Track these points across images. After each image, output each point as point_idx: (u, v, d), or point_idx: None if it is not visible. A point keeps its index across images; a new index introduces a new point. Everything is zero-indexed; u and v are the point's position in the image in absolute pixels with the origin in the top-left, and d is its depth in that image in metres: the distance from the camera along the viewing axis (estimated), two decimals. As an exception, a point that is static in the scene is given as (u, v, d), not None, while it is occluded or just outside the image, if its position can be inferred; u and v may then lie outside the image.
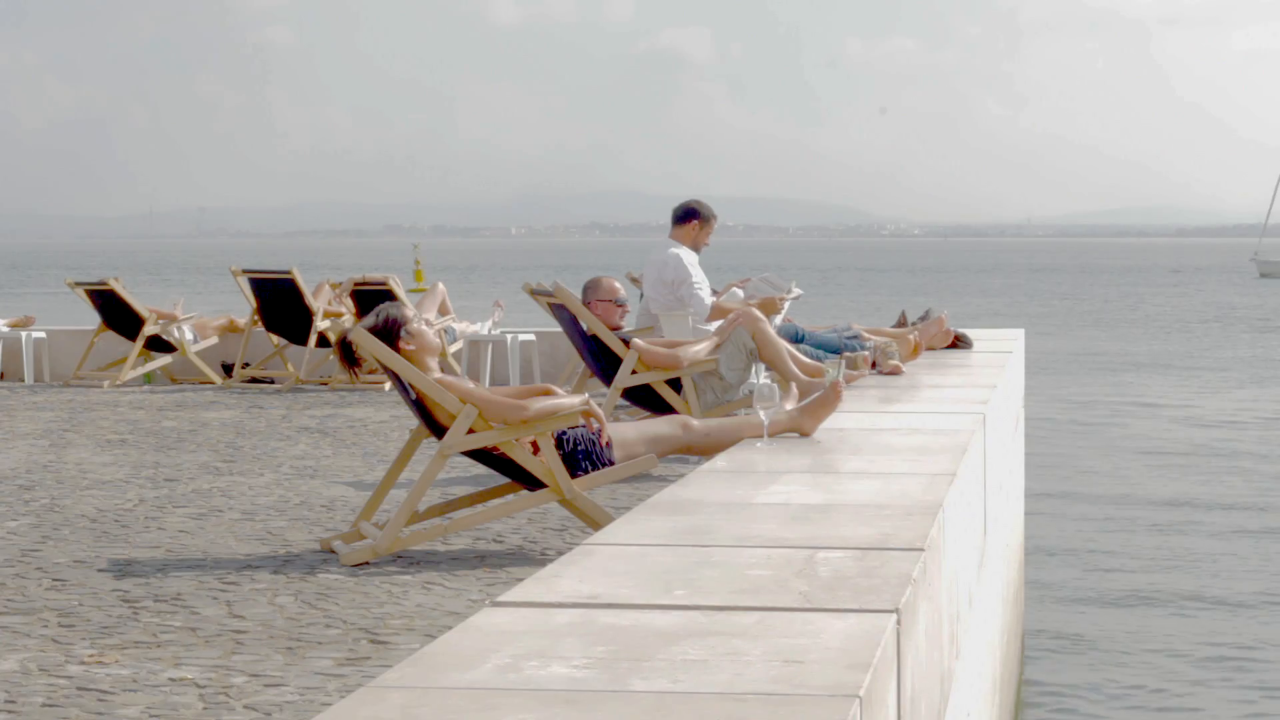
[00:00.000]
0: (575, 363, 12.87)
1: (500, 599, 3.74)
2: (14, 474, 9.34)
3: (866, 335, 10.58)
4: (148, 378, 15.75)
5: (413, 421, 9.69)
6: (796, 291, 11.25)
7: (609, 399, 9.50)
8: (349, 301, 15.30)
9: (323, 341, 15.01)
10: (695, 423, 7.16)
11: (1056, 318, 58.05)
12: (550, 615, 3.58)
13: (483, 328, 15.96)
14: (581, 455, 6.88)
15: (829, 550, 4.31)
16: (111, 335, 15.89)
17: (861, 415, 7.64)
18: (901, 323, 12.08)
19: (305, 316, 15.07)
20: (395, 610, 5.66)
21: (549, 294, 10.21)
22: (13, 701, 4.57)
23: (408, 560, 6.57)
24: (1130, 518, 17.59)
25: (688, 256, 10.96)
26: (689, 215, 11.15)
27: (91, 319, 16.50)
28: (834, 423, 7.08)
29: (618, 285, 10.35)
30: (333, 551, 6.74)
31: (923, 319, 12.09)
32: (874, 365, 9.82)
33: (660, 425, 7.18)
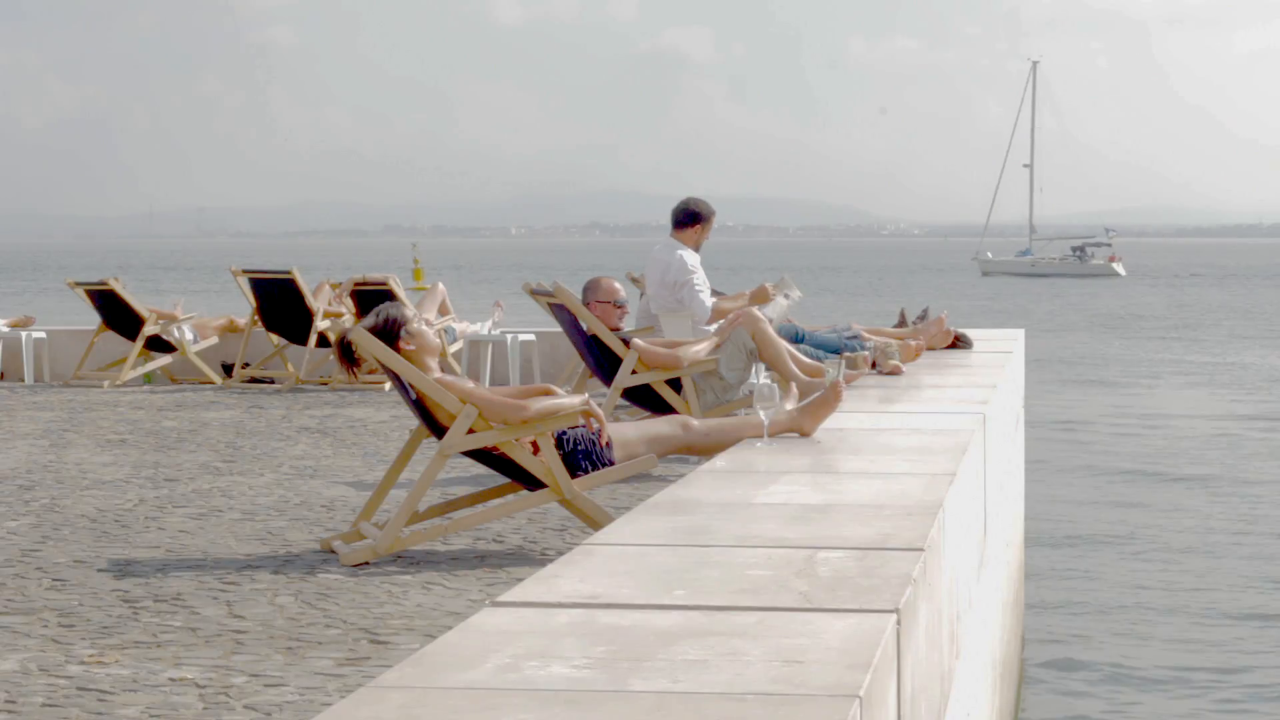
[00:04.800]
0: (575, 363, 12.87)
1: (500, 599, 3.74)
2: (14, 474, 9.34)
3: (866, 335, 10.58)
4: (148, 378, 15.75)
5: (413, 421, 9.69)
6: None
7: (609, 399, 9.50)
8: (349, 301, 15.30)
9: (323, 341, 15.01)
10: (695, 423, 7.16)
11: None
12: (550, 615, 3.58)
13: (483, 328, 15.95)
14: (581, 455, 6.88)
15: (829, 550, 4.31)
16: (111, 335, 15.89)
17: (861, 415, 7.64)
18: (901, 322, 12.08)
19: (305, 316, 15.07)
20: (395, 610, 5.66)
21: (549, 294, 10.21)
22: (13, 701, 4.57)
23: (408, 560, 6.57)
24: (1131, 519, 17.59)
25: (691, 258, 10.94)
26: (692, 219, 11.09)
27: (91, 319, 16.49)
28: (834, 423, 7.08)
29: (617, 286, 10.33)
30: (333, 551, 6.74)
31: (921, 318, 12.09)
32: (874, 365, 9.82)
33: (660, 425, 7.18)
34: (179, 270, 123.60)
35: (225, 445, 10.65)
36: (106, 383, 15.25)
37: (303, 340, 15.16)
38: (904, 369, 9.92)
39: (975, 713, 6.42)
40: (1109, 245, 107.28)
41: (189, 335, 15.76)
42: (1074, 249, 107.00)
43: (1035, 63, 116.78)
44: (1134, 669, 12.03)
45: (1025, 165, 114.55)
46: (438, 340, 7.28)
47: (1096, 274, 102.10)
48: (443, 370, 7.21)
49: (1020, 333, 13.61)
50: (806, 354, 9.75)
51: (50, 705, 4.53)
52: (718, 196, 22.47)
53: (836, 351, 9.90)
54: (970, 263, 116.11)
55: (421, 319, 6.97)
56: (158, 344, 15.71)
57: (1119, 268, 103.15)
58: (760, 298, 10.87)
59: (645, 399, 9.62)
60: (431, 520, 7.05)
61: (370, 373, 13.37)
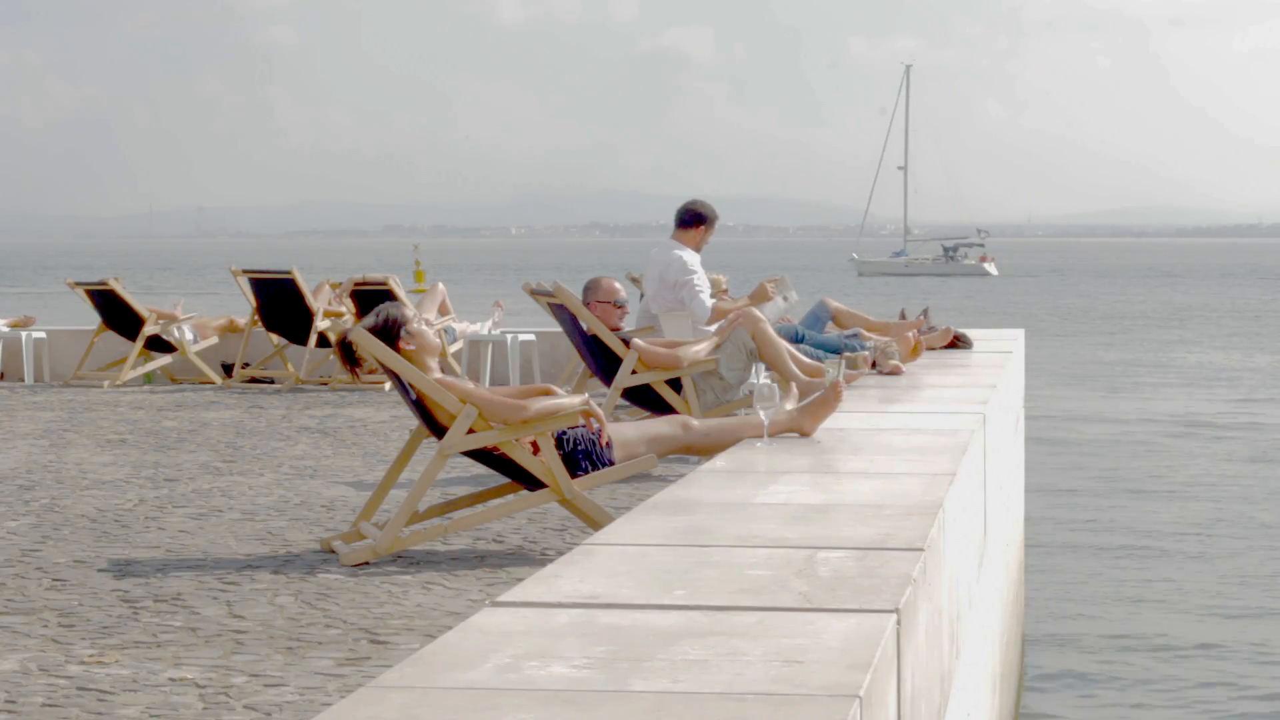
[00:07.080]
0: (575, 363, 12.87)
1: (500, 599, 3.74)
2: (14, 474, 9.34)
3: (866, 335, 10.58)
4: (148, 378, 15.75)
5: (413, 421, 9.68)
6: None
7: (609, 399, 9.50)
8: (349, 301, 15.30)
9: (323, 341, 15.01)
10: (695, 423, 7.15)
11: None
12: (550, 615, 3.58)
13: (483, 328, 15.96)
14: (581, 455, 6.88)
15: (829, 550, 4.31)
16: (111, 335, 15.89)
17: (861, 415, 7.64)
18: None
19: (305, 316, 15.07)
20: (395, 610, 5.66)
21: (549, 294, 10.21)
22: (13, 701, 4.57)
23: (408, 560, 6.57)
24: (1131, 517, 17.59)
25: (691, 258, 10.94)
26: (696, 220, 11.09)
27: (91, 319, 16.50)
28: (834, 423, 7.08)
29: (618, 286, 10.33)
30: (333, 551, 6.74)
31: (922, 317, 12.08)
32: (874, 365, 9.82)
33: (660, 425, 7.18)
34: (180, 270, 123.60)
35: (225, 445, 10.65)
36: (106, 383, 15.25)
37: (303, 340, 15.16)
38: (904, 369, 9.92)
39: (975, 713, 6.42)
40: (982, 245, 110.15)
41: (189, 335, 15.77)
42: (946, 249, 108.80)
43: (909, 66, 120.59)
44: (1135, 669, 12.03)
45: (900, 168, 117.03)
46: (438, 340, 7.29)
47: (967, 273, 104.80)
48: (443, 370, 7.21)
49: (1020, 333, 13.62)
50: (806, 354, 9.75)
51: (50, 705, 4.53)
52: (718, 196, 22.50)
53: (836, 351, 9.90)
54: (846, 263, 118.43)
55: (421, 319, 6.97)
56: (158, 344, 15.71)
57: (990, 267, 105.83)
58: (760, 297, 10.88)
59: (645, 399, 9.62)
60: (431, 520, 7.05)
61: (370, 373, 13.38)
